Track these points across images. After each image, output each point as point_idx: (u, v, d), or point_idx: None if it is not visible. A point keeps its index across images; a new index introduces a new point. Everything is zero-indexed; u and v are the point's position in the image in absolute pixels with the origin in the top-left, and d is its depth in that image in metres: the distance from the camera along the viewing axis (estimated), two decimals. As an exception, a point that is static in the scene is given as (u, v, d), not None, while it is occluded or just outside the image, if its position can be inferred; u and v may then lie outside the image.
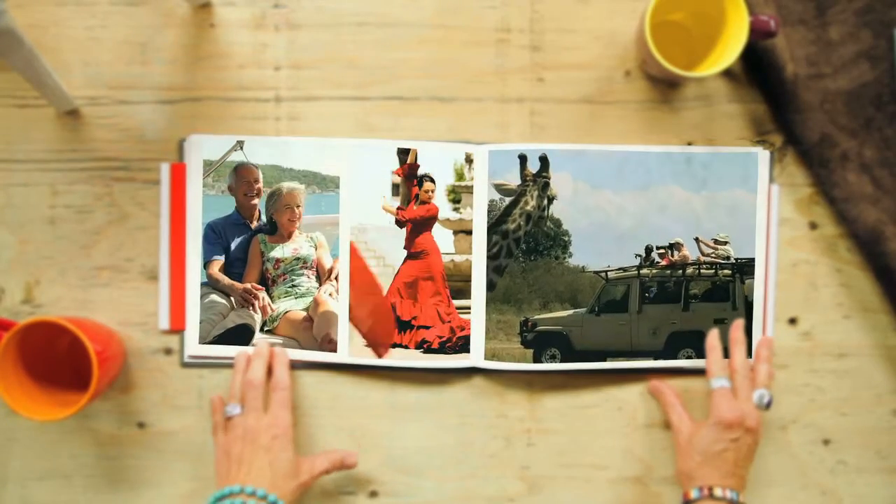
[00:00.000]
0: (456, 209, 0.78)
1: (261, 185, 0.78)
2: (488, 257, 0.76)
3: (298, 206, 0.78)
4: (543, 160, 0.76)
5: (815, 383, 0.79)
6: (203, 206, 0.77)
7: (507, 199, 0.77)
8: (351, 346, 0.77)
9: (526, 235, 0.76)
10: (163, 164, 0.77)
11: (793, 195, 0.79)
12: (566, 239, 0.77)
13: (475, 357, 0.77)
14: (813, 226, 0.79)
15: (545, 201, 0.76)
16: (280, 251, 0.78)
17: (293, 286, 0.78)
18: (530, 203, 0.76)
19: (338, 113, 0.78)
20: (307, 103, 0.78)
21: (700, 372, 0.77)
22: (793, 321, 0.79)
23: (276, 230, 0.78)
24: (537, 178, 0.76)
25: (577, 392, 0.79)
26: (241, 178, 0.77)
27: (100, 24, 0.77)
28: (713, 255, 0.77)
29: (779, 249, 0.78)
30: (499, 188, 0.76)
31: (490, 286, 0.77)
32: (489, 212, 0.77)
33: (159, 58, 0.77)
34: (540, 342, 0.77)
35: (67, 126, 0.77)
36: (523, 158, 0.76)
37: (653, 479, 0.79)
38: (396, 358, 0.77)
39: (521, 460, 0.79)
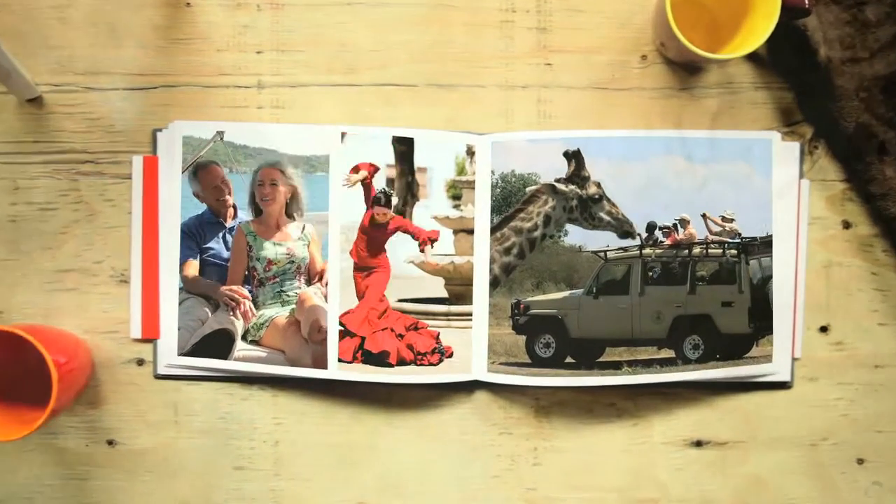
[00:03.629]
0: (456, 206, 0.76)
1: (229, 179, 0.75)
2: (501, 251, 0.74)
3: (274, 183, 0.75)
4: (577, 156, 0.74)
5: (847, 397, 0.77)
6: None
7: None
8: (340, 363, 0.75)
9: (543, 238, 0.74)
10: (134, 156, 0.76)
11: (824, 191, 0.77)
12: None
13: (477, 369, 0.75)
14: (846, 225, 0.77)
15: (574, 201, 0.74)
16: (272, 250, 0.75)
17: (282, 291, 0.76)
18: (550, 202, 0.74)
19: (326, 101, 0.76)
20: (292, 90, 0.76)
21: (728, 385, 0.74)
22: (824, 329, 0.77)
23: (259, 213, 0.76)
24: (571, 179, 0.74)
25: (587, 406, 0.77)
26: (206, 181, 0.75)
27: (66, 3, 0.75)
28: (721, 234, 0.74)
29: (808, 250, 0.76)
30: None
31: (493, 283, 0.74)
32: (496, 204, 0.75)
33: (131, 40, 0.76)
34: (533, 327, 0.75)
35: (30, 115, 0.76)
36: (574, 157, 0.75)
37: (670, 501, 0.77)
38: (391, 374, 0.75)
39: (527, 481, 0.77)
